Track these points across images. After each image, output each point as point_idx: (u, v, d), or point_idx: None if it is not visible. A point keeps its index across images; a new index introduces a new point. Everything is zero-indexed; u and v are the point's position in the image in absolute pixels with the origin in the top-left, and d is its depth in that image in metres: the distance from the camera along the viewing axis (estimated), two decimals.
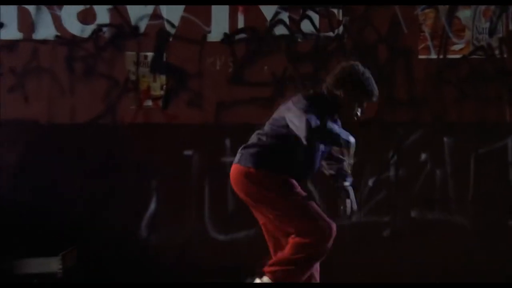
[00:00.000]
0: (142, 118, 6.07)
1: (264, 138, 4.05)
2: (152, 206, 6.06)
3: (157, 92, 6.06)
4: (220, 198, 6.00)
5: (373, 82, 3.98)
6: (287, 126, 3.93)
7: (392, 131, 6.06)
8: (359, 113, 4.03)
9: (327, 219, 4.00)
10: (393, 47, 6.07)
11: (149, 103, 6.06)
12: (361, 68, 3.99)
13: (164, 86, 6.05)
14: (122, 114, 6.08)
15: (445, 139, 6.07)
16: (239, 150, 4.22)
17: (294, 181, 4.06)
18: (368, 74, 4.00)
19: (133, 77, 6.07)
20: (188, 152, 6.03)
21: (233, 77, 6.07)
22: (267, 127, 4.11)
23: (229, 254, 5.97)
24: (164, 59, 6.03)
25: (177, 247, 5.98)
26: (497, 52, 6.02)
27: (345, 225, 5.72)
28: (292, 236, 3.92)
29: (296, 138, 3.88)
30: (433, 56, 6.07)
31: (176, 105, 6.07)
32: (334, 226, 3.99)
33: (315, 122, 3.73)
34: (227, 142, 6.02)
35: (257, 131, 4.15)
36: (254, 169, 4.03)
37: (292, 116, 3.88)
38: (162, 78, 6.05)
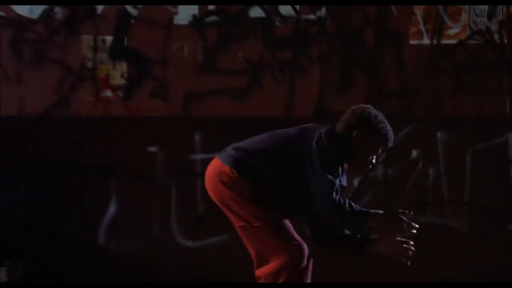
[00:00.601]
0: (100, 110, 5.98)
1: (261, 148, 3.89)
2: (112, 209, 5.98)
3: (117, 81, 5.97)
4: (189, 200, 5.93)
5: (388, 125, 3.92)
6: (290, 154, 3.82)
7: None
8: (374, 161, 3.92)
9: (299, 239, 3.92)
10: (381, 31, 6.01)
11: (108, 93, 5.98)
12: (373, 111, 3.92)
13: (125, 74, 5.97)
14: (77, 106, 5.98)
15: (438, 134, 6.02)
16: (229, 147, 4.04)
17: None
18: (381, 117, 3.93)
19: (89, 64, 5.98)
20: (152, 149, 5.96)
21: (203, 65, 5.99)
22: (269, 138, 3.97)
23: (198, 263, 5.92)
24: (125, 44, 5.95)
25: (140, 255, 5.94)
26: (496, 37, 5.98)
27: None
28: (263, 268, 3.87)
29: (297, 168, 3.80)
30: (426, 41, 6.01)
31: (138, 96, 5.98)
32: (305, 246, 3.90)
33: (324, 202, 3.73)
34: (197, 137, 5.95)
35: (258, 136, 3.99)
36: (237, 172, 3.86)
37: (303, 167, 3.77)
38: (123, 65, 5.97)
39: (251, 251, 3.90)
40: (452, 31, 5.99)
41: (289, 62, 5.99)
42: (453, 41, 5.99)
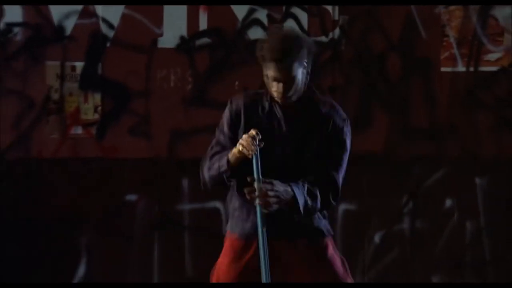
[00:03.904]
0: (68, 151, 5.92)
1: None
2: (81, 270, 5.89)
3: (90, 116, 5.94)
4: (175, 260, 5.91)
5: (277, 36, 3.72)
6: None
7: (406, 169, 5.97)
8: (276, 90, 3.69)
9: None
10: (407, 56, 6.00)
11: (78, 130, 5.94)
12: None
13: (99, 108, 5.94)
14: (39, 146, 5.92)
15: (477, 180, 5.96)
16: None
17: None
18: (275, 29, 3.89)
19: (55, 96, 5.92)
20: (131, 197, 5.91)
21: (193, 96, 5.95)
22: None
23: None
24: (99, 72, 5.93)
25: None
26: None
27: None
28: None
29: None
30: (461, 68, 5.99)
31: (115, 133, 5.95)
32: None
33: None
34: (185, 183, 5.90)
35: None
36: None
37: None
38: (96, 98, 5.93)
39: None
40: (492, 56, 5.97)
41: None
42: (494, 68, 5.98)
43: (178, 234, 5.89)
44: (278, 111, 3.76)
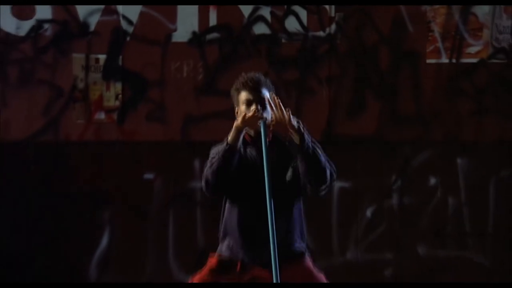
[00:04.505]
0: (93, 134, 6.08)
1: None
2: (104, 241, 6.05)
3: (111, 103, 6.08)
4: (188, 232, 6.02)
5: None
6: None
7: (395, 151, 6.08)
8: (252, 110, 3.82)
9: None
10: (396, 49, 6.11)
11: (101, 116, 6.07)
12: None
13: (120, 96, 6.08)
14: (67, 130, 6.08)
15: (459, 160, 6.07)
16: None
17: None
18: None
19: (81, 85, 6.08)
20: (149, 176, 6.05)
21: (204, 86, 6.09)
22: None
23: None
24: (120, 63, 6.06)
25: None
26: None
27: (338, 264, 5.94)
28: None
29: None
30: (444, 60, 6.09)
31: (134, 119, 6.09)
32: None
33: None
34: (196, 163, 6.00)
35: None
36: None
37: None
38: (117, 86, 6.07)
39: None
40: (472, 49, 6.07)
41: (296, 83, 6.08)
42: (474, 60, 6.07)
43: (191, 209, 5.98)
44: (252, 152, 3.84)
